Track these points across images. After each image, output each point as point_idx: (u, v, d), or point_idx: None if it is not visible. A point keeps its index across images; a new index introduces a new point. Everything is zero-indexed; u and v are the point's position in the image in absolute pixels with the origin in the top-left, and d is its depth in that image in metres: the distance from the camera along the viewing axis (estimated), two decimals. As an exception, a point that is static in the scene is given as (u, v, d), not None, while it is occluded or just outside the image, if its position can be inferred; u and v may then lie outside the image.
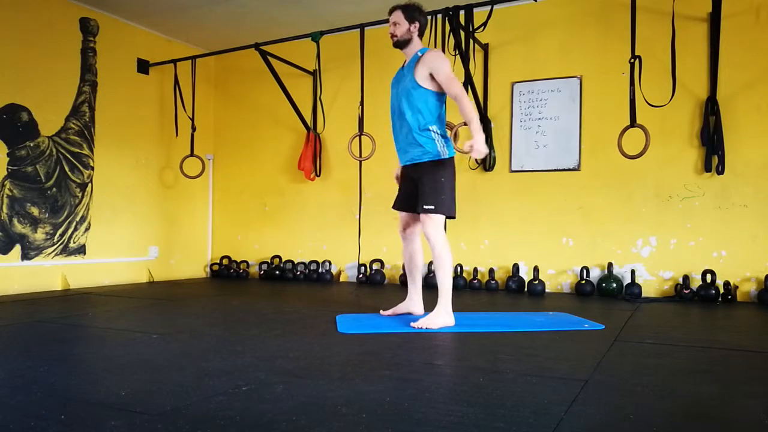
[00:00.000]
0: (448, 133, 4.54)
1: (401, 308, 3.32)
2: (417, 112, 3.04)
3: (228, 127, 6.38)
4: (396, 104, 3.15)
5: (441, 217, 3.02)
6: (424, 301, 3.34)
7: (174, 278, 5.89)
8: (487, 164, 5.02)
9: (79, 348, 2.56)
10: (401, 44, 3.13)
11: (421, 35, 3.15)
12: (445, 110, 3.16)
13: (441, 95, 3.08)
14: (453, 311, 3.02)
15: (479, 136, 2.87)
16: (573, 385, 1.87)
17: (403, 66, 3.20)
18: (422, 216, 3.02)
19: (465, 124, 4.49)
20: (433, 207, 2.99)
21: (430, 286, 4.98)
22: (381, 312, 3.38)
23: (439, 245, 2.99)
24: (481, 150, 2.87)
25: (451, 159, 3.09)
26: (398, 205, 3.28)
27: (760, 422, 1.55)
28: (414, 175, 3.11)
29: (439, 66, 2.99)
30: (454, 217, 3.12)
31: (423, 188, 3.03)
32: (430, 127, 3.04)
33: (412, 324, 2.94)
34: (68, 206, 4.96)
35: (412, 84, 3.04)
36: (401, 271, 5.30)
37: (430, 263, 5.15)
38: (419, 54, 3.08)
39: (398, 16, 3.09)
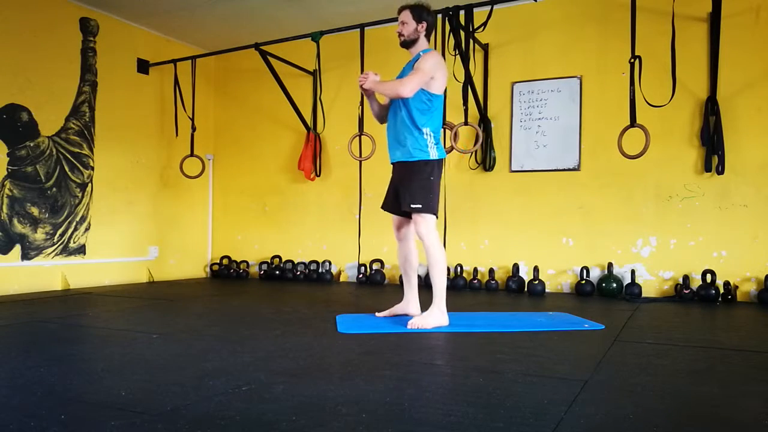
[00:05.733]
0: (448, 133, 4.56)
1: (398, 309, 3.31)
2: (411, 111, 3.05)
3: (228, 127, 6.38)
4: (394, 101, 3.16)
5: (433, 217, 3.03)
6: (421, 302, 3.33)
7: (174, 278, 5.88)
8: (487, 164, 5.02)
9: (79, 348, 2.56)
10: (408, 44, 3.14)
11: (428, 35, 3.16)
12: (443, 112, 3.16)
13: (437, 96, 3.07)
14: (454, 311, 3.03)
15: (380, 83, 3.03)
16: (573, 385, 1.87)
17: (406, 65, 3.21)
18: (414, 216, 3.04)
19: (465, 124, 4.51)
20: (420, 206, 3.00)
21: (429, 286, 4.99)
22: (377, 314, 3.38)
23: (432, 245, 3.00)
24: (366, 84, 3.04)
25: (440, 161, 3.10)
26: (387, 206, 3.28)
27: (760, 422, 1.55)
28: (401, 174, 3.12)
29: (422, 61, 3.01)
30: (436, 217, 3.14)
31: (410, 186, 3.03)
32: (423, 129, 3.05)
33: (407, 324, 2.94)
34: (68, 206, 4.96)
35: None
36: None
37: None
38: (420, 54, 3.08)
39: (406, 15, 3.10)
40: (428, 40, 3.17)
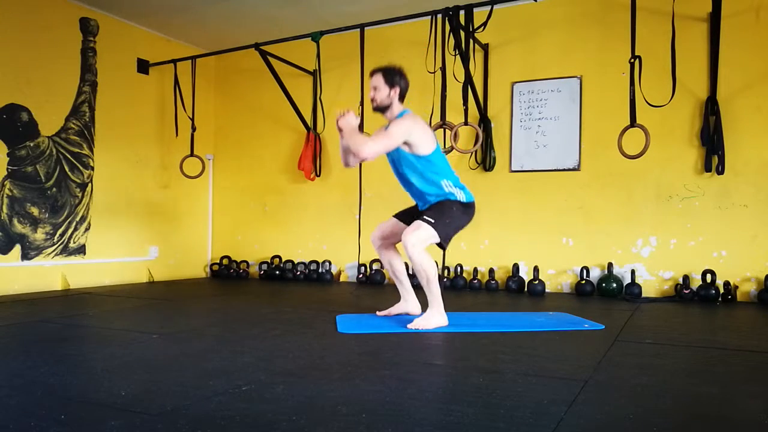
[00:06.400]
0: (448, 133, 4.56)
1: (397, 309, 3.30)
2: (422, 175, 3.02)
3: (228, 127, 6.38)
4: (393, 166, 3.13)
5: (430, 231, 2.92)
6: (420, 302, 3.32)
7: (174, 278, 5.88)
8: (487, 164, 5.02)
9: (79, 348, 2.56)
10: (382, 109, 3.07)
11: (402, 99, 3.08)
12: (446, 160, 3.11)
13: (434, 153, 3.01)
14: (454, 311, 3.02)
15: (351, 131, 2.92)
16: (573, 385, 1.87)
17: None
18: (413, 224, 2.94)
19: (465, 124, 4.50)
20: (432, 221, 2.93)
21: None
22: (377, 313, 3.37)
23: (417, 259, 2.89)
24: (340, 122, 2.95)
25: (470, 204, 3.08)
26: (399, 215, 3.25)
27: (760, 422, 1.55)
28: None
29: (392, 125, 2.95)
30: (444, 247, 3.07)
31: (430, 209, 3.00)
32: (441, 182, 3.02)
33: (408, 325, 2.94)
34: (68, 206, 4.96)
35: (396, 150, 3.01)
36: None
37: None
38: (395, 119, 3.02)
39: (378, 80, 3.02)
40: (402, 102, 3.09)
